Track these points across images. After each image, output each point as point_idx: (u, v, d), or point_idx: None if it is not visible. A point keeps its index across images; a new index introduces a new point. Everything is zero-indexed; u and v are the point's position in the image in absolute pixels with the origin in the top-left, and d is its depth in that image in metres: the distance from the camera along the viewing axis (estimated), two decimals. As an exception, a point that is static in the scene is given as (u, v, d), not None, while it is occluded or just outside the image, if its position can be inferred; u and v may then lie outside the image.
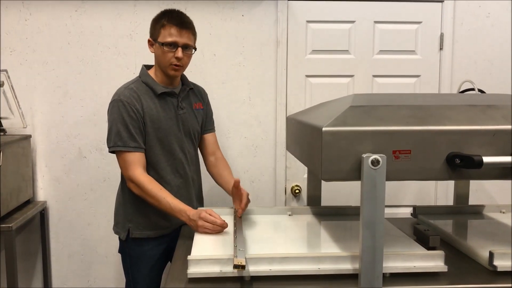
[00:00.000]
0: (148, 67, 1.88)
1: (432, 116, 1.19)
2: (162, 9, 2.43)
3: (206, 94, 2.03)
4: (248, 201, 1.75)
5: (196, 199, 1.94)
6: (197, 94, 1.96)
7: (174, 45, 1.73)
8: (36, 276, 2.59)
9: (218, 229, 1.56)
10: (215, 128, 2.06)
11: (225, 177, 1.93)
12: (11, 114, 2.36)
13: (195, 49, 1.82)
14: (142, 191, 1.70)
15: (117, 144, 1.71)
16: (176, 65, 1.74)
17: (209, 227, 1.56)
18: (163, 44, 1.73)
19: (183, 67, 1.79)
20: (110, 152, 1.75)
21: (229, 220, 1.69)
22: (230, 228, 1.61)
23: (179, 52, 1.73)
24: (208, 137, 2.00)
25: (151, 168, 1.78)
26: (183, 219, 1.64)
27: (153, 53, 1.81)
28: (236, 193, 1.74)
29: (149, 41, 1.81)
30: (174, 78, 1.82)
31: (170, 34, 1.72)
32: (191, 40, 1.78)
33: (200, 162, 2.01)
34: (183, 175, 1.86)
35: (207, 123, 2.00)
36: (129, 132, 1.71)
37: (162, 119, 1.78)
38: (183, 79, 1.92)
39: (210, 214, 1.58)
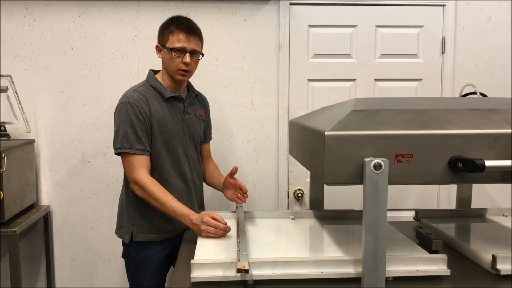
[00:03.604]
0: (155, 72, 1.90)
1: (434, 120, 1.19)
2: (165, 14, 2.47)
3: (208, 104, 2.08)
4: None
5: (198, 203, 1.95)
6: (200, 102, 2.00)
7: (182, 51, 1.76)
8: (40, 280, 2.60)
9: (221, 233, 1.57)
10: (212, 137, 2.13)
11: (215, 175, 2.04)
12: (15, 119, 2.37)
13: (203, 54, 1.85)
14: (145, 194, 1.71)
15: (123, 146, 1.72)
16: (184, 70, 1.77)
17: (212, 231, 1.57)
18: (171, 49, 1.75)
19: (191, 72, 1.82)
20: (116, 154, 1.76)
21: (232, 224, 1.69)
22: (233, 232, 1.61)
23: (187, 58, 1.75)
24: (204, 145, 2.06)
25: (155, 171, 1.79)
26: (186, 223, 1.65)
27: (161, 59, 1.83)
28: (229, 182, 1.86)
29: (157, 46, 1.83)
30: (181, 83, 1.85)
31: (178, 40, 1.75)
32: (199, 46, 1.81)
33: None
34: (186, 180, 1.86)
35: (207, 132, 2.05)
36: (136, 134, 1.72)
37: (169, 123, 1.79)
38: (189, 85, 1.95)
39: (213, 217, 1.59)
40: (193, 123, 1.89)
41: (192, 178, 1.89)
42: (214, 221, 1.57)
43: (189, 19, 1.81)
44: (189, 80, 1.93)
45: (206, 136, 2.05)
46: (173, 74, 1.79)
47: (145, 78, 1.89)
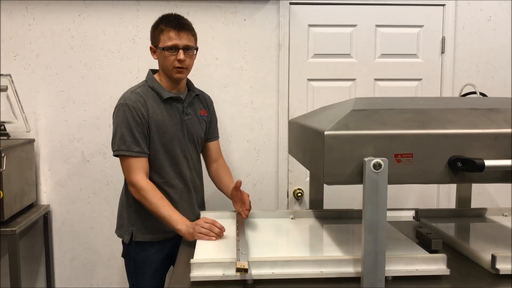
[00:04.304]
0: (154, 71, 1.88)
1: (434, 120, 1.19)
2: (165, 13, 2.46)
3: (211, 102, 2.04)
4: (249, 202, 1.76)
5: (198, 204, 1.94)
6: (202, 101, 1.97)
7: (174, 48, 1.74)
8: (39, 280, 2.60)
9: (213, 234, 1.55)
10: (219, 135, 2.08)
11: (225, 182, 1.95)
12: (15, 118, 2.37)
13: (197, 49, 1.82)
14: (142, 197, 1.70)
15: (120, 148, 1.72)
16: (179, 67, 1.75)
17: (204, 232, 1.54)
18: (163, 48, 1.74)
19: (187, 68, 1.79)
20: (114, 155, 1.76)
21: (231, 224, 1.69)
22: (233, 231, 1.61)
23: (181, 54, 1.73)
24: (211, 144, 2.01)
25: (155, 172, 1.79)
26: (178, 226, 1.62)
27: (157, 60, 1.82)
28: (236, 195, 1.75)
29: (151, 48, 1.82)
30: (179, 81, 1.83)
31: (169, 38, 1.73)
32: (191, 41, 1.78)
33: (202, 168, 2.02)
34: (185, 180, 1.85)
35: (211, 131, 2.00)
36: (133, 136, 1.71)
37: (167, 124, 1.78)
38: (189, 85, 1.92)
39: (206, 222, 1.58)
40: (192, 124, 1.87)
41: (191, 179, 1.89)
42: (208, 224, 1.56)
43: (178, 15, 1.79)
44: (190, 79, 1.92)
45: (210, 135, 2.00)
46: (169, 73, 1.77)
47: (144, 77, 1.89)
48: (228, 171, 2.01)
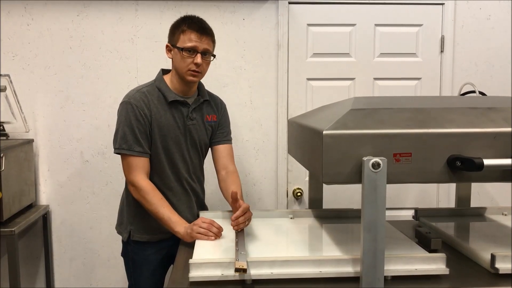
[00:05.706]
0: (165, 71, 1.85)
1: (433, 119, 1.19)
2: (164, 13, 2.47)
3: (223, 106, 1.97)
4: (244, 214, 1.58)
5: (197, 207, 1.91)
6: (212, 106, 1.91)
7: (193, 51, 1.70)
8: (39, 280, 2.59)
9: (211, 234, 1.54)
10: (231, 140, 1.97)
11: (230, 192, 1.72)
12: (14, 118, 2.37)
13: (214, 56, 1.80)
14: (141, 197, 1.69)
15: (122, 147, 1.71)
16: (194, 71, 1.72)
17: (202, 232, 1.54)
18: (182, 49, 1.70)
19: (202, 73, 1.76)
20: (115, 153, 1.75)
21: (230, 224, 1.68)
22: (231, 231, 1.61)
23: (198, 58, 1.70)
24: (220, 148, 1.92)
25: (155, 173, 1.78)
26: (177, 229, 1.61)
27: (171, 59, 1.78)
28: (235, 207, 1.63)
29: (167, 46, 1.78)
30: (191, 84, 1.79)
31: (190, 39, 1.70)
32: (211, 47, 1.76)
33: (204, 172, 1.98)
34: (184, 185, 1.83)
35: (219, 134, 1.92)
36: (135, 136, 1.70)
37: (170, 127, 1.76)
38: (200, 89, 1.88)
39: (204, 222, 1.57)
40: (196, 129, 1.83)
41: (191, 183, 1.86)
42: (206, 224, 1.55)
43: (201, 19, 1.76)
44: (203, 82, 1.88)
45: (218, 137, 1.92)
46: (183, 74, 1.73)
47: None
48: (236, 180, 1.87)
